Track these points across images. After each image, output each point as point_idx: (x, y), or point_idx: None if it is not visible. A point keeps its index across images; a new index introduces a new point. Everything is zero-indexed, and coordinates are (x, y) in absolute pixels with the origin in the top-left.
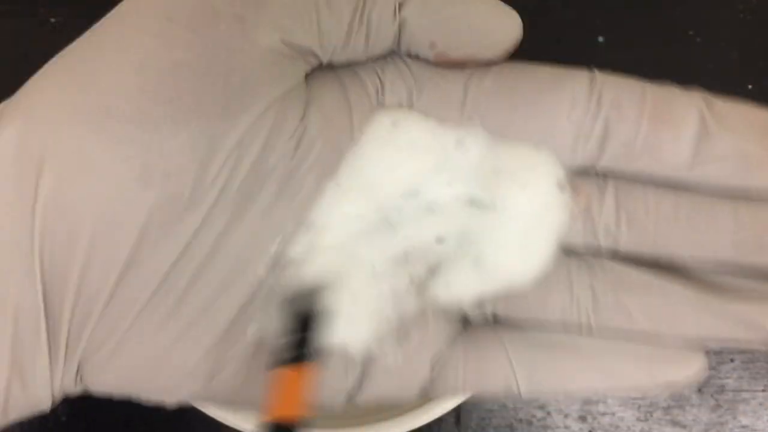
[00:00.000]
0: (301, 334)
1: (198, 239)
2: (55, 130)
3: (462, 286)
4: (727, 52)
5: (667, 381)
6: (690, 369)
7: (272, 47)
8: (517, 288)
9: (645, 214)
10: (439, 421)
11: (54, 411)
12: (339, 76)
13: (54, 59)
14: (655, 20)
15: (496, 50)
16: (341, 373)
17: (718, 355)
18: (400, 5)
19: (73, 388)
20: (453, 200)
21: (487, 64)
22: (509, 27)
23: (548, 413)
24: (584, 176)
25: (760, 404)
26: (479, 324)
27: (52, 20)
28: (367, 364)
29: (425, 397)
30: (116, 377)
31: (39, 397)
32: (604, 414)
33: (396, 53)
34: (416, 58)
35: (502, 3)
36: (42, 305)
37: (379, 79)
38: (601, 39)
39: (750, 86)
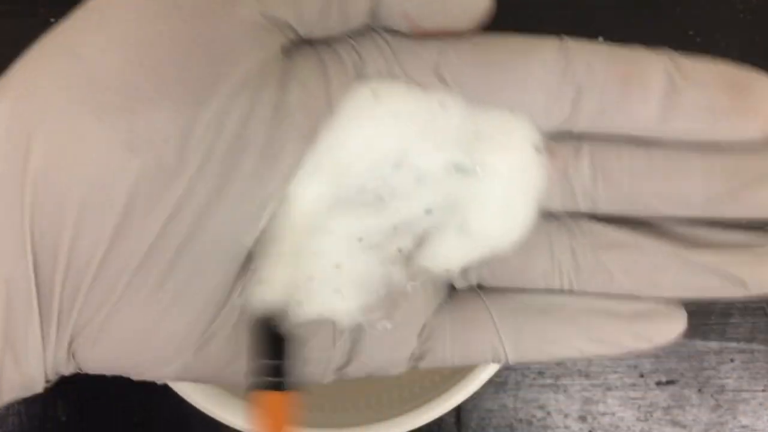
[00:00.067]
0: (277, 360)
1: (183, 207)
2: (44, 104)
3: (448, 255)
4: (727, 52)
5: (649, 339)
6: (672, 326)
7: (250, 19)
8: (500, 253)
9: (620, 171)
10: (439, 421)
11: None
12: (317, 51)
13: (42, 38)
14: (654, 20)
15: (468, 20)
16: (330, 345)
17: (718, 355)
18: None
19: (66, 366)
20: (440, 167)
21: (460, 35)
22: None
23: (548, 413)
24: (560, 140)
25: (760, 404)
26: (465, 292)
27: (52, 20)
28: (355, 336)
29: (414, 368)
30: (107, 351)
31: (32, 375)
32: (604, 414)
33: (372, 27)
34: (391, 31)
35: None
36: (33, 278)
37: (357, 52)
38: (601, 39)
39: None
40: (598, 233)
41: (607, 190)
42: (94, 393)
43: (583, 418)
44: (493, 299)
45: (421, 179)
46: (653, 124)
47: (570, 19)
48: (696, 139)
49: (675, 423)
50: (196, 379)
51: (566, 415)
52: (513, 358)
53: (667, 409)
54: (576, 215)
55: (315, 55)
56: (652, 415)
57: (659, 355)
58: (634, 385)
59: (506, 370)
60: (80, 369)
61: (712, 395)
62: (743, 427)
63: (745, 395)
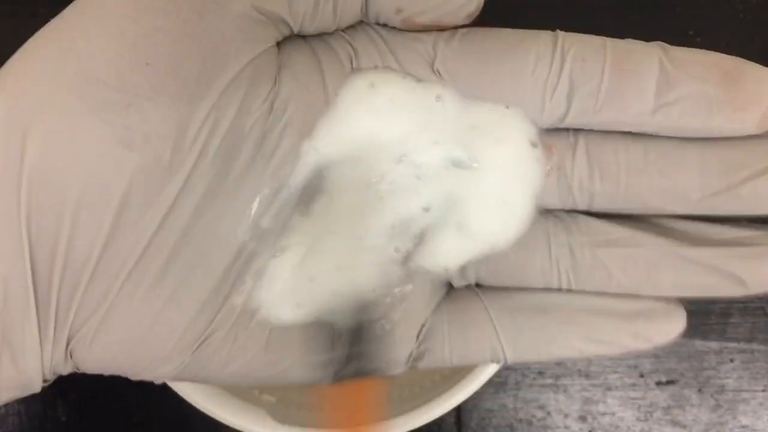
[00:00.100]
0: (360, 348)
1: (179, 203)
2: (39, 100)
3: (446, 253)
4: (727, 52)
5: (649, 338)
6: (671, 325)
7: (244, 13)
8: (498, 251)
9: (616, 166)
10: (439, 421)
11: (54, 411)
12: (311, 45)
13: (36, 33)
14: (654, 20)
15: (460, 14)
16: (328, 346)
17: (718, 355)
18: None
19: (63, 365)
20: (438, 162)
21: (453, 28)
22: None
23: (548, 413)
24: (555, 134)
25: (760, 404)
26: (463, 291)
27: None
28: (354, 337)
29: (413, 368)
30: (104, 351)
31: (30, 374)
32: (604, 414)
33: (365, 22)
34: (385, 26)
35: None
36: (30, 277)
37: (351, 46)
38: None
39: None
40: (595, 230)
41: (604, 185)
42: (94, 393)
43: (583, 418)
44: (492, 298)
45: (420, 175)
46: (648, 117)
47: (570, 19)
48: (692, 133)
49: (675, 423)
50: (193, 379)
51: (566, 415)
52: (512, 358)
53: (667, 409)
54: (573, 212)
55: (309, 49)
56: (652, 415)
57: (659, 355)
58: (634, 385)
59: (506, 370)
60: (78, 368)
61: (712, 395)
62: (743, 427)
63: (745, 395)
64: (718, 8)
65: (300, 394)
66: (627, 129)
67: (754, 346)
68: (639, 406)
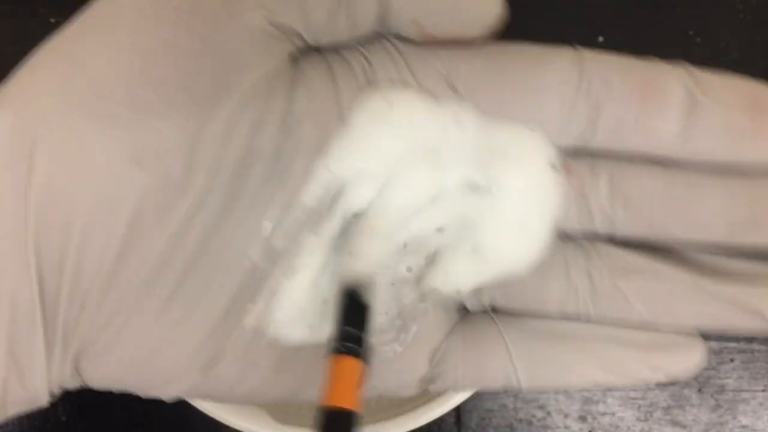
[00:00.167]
0: (356, 328)
1: (191, 223)
2: (47, 114)
3: (461, 275)
4: (727, 52)
5: (667, 371)
6: (690, 359)
7: (257, 27)
8: (515, 275)
9: (639, 194)
10: (439, 421)
11: (54, 411)
12: (325, 59)
13: (44, 45)
14: (655, 20)
15: (479, 27)
16: None
17: (718, 355)
18: None
19: (71, 382)
20: (454, 184)
21: (471, 42)
22: (491, 4)
23: (548, 413)
24: (576, 158)
25: (760, 404)
26: (478, 315)
27: (52, 20)
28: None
29: (425, 391)
30: (113, 369)
31: (36, 391)
32: (604, 414)
33: (381, 35)
34: (401, 38)
35: None
36: (38, 295)
37: (366, 59)
38: (601, 39)
39: None
40: (615, 257)
41: (626, 212)
42: (94, 393)
43: (583, 418)
44: (507, 324)
45: (435, 197)
46: (672, 143)
47: (570, 19)
48: (717, 161)
49: (675, 423)
50: (203, 398)
51: (566, 415)
52: (526, 385)
53: (667, 409)
54: (593, 238)
55: (323, 63)
56: (652, 415)
57: None
58: (633, 385)
59: None
60: (85, 384)
61: (712, 395)
62: (743, 427)
63: (745, 395)
64: (718, 8)
65: None
66: (650, 153)
67: (754, 346)
68: (639, 406)
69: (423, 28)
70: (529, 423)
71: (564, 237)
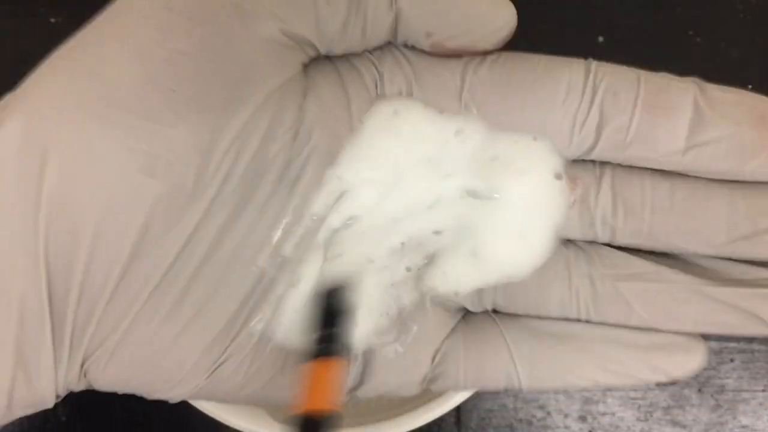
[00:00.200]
0: (331, 329)
1: (200, 231)
2: (59, 122)
3: (459, 277)
4: (727, 52)
5: (667, 372)
6: (690, 359)
7: (271, 37)
8: (516, 279)
9: (641, 202)
10: (439, 421)
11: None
12: (336, 68)
13: (56, 51)
14: (654, 20)
15: (492, 39)
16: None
17: (718, 355)
18: None
19: (77, 385)
20: (451, 193)
21: (483, 53)
22: (504, 15)
23: (548, 413)
24: (581, 166)
25: (760, 404)
26: (479, 315)
27: (52, 20)
28: (367, 358)
29: (427, 391)
30: (119, 372)
31: (43, 393)
32: (604, 414)
33: (393, 44)
34: (413, 48)
35: None
36: (47, 300)
37: (377, 69)
38: (601, 39)
39: (750, 86)
40: (617, 262)
41: (627, 221)
42: (94, 393)
43: (583, 418)
44: (509, 325)
45: (433, 203)
46: (678, 157)
47: (570, 19)
48: (719, 171)
49: (675, 423)
50: (209, 399)
51: (566, 415)
52: (527, 385)
53: (667, 409)
54: (595, 243)
55: (334, 72)
56: (652, 415)
57: None
58: (634, 385)
59: None
60: (91, 386)
61: (712, 395)
62: (743, 427)
63: (745, 395)
64: (718, 8)
65: None
66: (655, 166)
67: (754, 346)
68: (639, 406)
69: (436, 40)
70: (529, 423)
71: (566, 242)
